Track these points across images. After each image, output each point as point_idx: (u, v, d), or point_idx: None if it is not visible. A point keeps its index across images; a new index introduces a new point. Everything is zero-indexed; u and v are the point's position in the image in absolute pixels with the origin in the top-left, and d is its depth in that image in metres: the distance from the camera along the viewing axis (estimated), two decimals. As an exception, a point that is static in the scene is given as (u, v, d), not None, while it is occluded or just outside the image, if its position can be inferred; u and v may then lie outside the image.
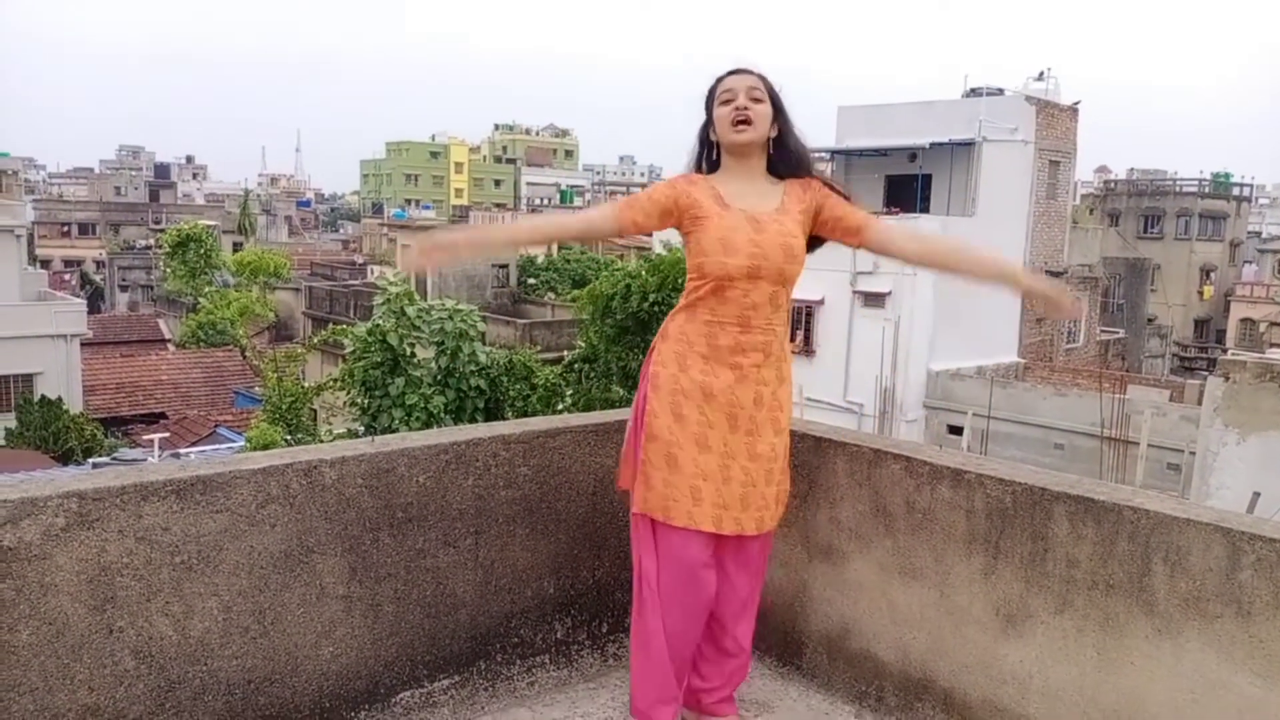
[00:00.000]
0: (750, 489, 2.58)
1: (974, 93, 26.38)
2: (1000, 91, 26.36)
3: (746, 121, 2.57)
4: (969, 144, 24.14)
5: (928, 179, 25.07)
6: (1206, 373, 22.32)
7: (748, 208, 2.58)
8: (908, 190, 25.10)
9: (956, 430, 21.08)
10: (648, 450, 2.59)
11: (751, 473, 2.58)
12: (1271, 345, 34.36)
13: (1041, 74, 28.19)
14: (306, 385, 22.06)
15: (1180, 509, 2.36)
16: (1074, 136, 27.35)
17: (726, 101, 2.59)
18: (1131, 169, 67.65)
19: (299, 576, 2.58)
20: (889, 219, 23.22)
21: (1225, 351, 28.98)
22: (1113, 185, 60.19)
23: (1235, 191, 56.56)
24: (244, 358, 33.92)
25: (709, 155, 2.71)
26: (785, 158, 2.66)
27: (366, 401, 15.22)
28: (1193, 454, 14.78)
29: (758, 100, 2.58)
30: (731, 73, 2.64)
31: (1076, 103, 27.55)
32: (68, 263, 62.02)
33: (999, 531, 2.62)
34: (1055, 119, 26.52)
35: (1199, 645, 2.26)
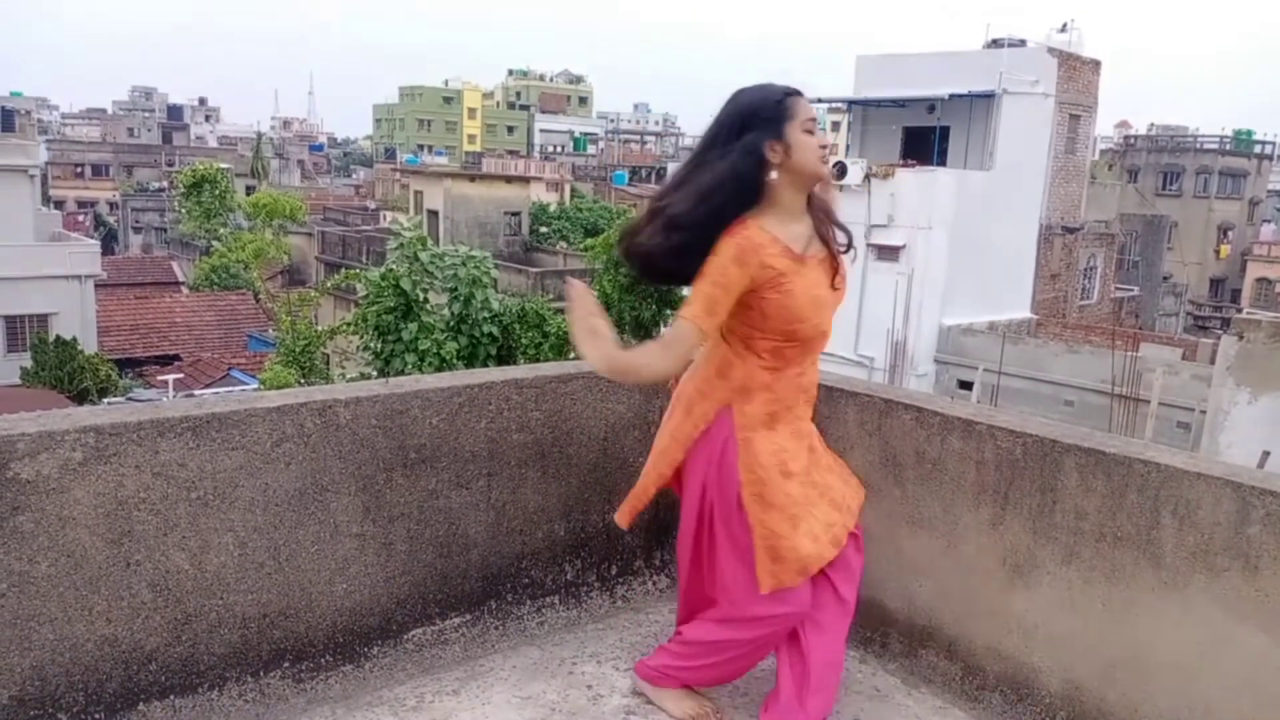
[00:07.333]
0: (837, 495, 2.52)
1: (995, 44, 25.98)
2: (1022, 43, 25.94)
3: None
4: (989, 96, 23.82)
5: (946, 131, 24.80)
6: (1220, 332, 22.19)
7: (813, 253, 2.37)
8: (925, 142, 24.82)
9: (967, 385, 21.06)
10: (769, 523, 2.35)
11: (830, 480, 2.52)
12: (1288, 305, 34.10)
13: (1065, 25, 27.69)
14: (320, 329, 22.11)
15: (1191, 463, 2.36)
16: (1095, 90, 26.97)
17: (811, 131, 2.30)
18: (1152, 124, 66.77)
19: (313, 514, 2.61)
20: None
21: (1240, 311, 28.78)
22: (1132, 141, 59.45)
23: (1257, 149, 55.79)
24: (257, 301, 33.98)
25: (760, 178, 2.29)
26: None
27: (379, 346, 15.26)
28: (1203, 413, 14.76)
29: None
30: (799, 94, 2.32)
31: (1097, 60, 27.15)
32: (81, 204, 62.12)
33: (1008, 482, 2.62)
34: (1077, 72, 26.13)
35: (1205, 598, 2.28)
